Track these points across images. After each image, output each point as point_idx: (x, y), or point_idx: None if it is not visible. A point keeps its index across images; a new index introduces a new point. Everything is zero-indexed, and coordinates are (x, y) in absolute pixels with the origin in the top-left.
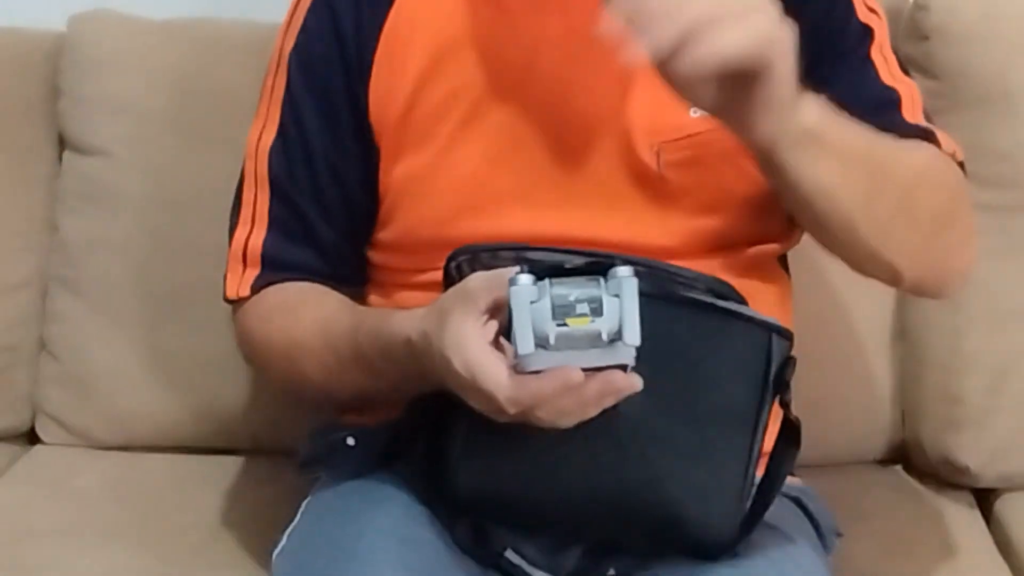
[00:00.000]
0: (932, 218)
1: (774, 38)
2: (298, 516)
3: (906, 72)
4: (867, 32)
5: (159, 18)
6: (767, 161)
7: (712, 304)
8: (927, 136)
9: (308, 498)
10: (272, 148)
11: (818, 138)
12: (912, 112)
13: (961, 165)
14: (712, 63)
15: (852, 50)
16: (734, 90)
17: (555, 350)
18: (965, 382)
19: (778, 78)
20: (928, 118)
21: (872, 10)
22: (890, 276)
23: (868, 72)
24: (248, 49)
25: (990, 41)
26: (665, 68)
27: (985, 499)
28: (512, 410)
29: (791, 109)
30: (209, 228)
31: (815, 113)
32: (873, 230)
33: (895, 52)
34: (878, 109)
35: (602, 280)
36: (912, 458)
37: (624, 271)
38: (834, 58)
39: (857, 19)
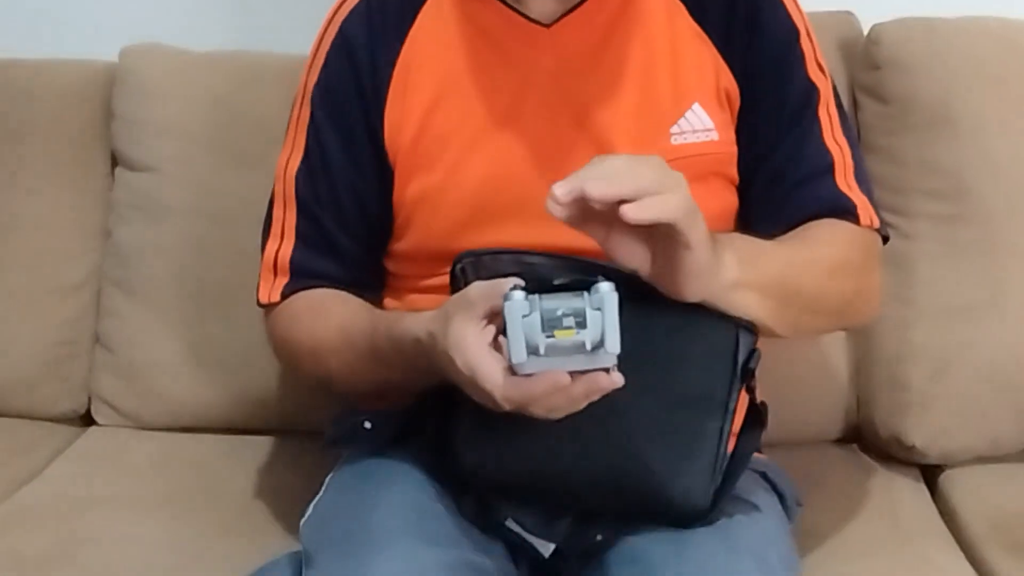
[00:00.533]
0: (835, 307)
1: (692, 211)
2: (323, 489)
3: (847, 123)
4: (814, 91)
5: (201, 50)
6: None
7: (685, 303)
8: (849, 210)
9: (331, 474)
10: (298, 171)
11: (741, 286)
12: (844, 176)
13: (878, 229)
14: (653, 216)
15: (801, 109)
16: (665, 260)
17: (545, 357)
18: (912, 371)
19: (696, 248)
20: (860, 174)
21: (820, 67)
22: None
23: (813, 133)
24: (279, 78)
25: (935, 71)
26: (609, 237)
27: (930, 474)
28: (507, 406)
29: (713, 274)
30: (244, 235)
31: (734, 268)
32: (786, 328)
33: (851, 81)
34: (814, 177)
35: (586, 294)
36: (865, 437)
37: (606, 287)
38: (784, 115)
39: (807, 76)
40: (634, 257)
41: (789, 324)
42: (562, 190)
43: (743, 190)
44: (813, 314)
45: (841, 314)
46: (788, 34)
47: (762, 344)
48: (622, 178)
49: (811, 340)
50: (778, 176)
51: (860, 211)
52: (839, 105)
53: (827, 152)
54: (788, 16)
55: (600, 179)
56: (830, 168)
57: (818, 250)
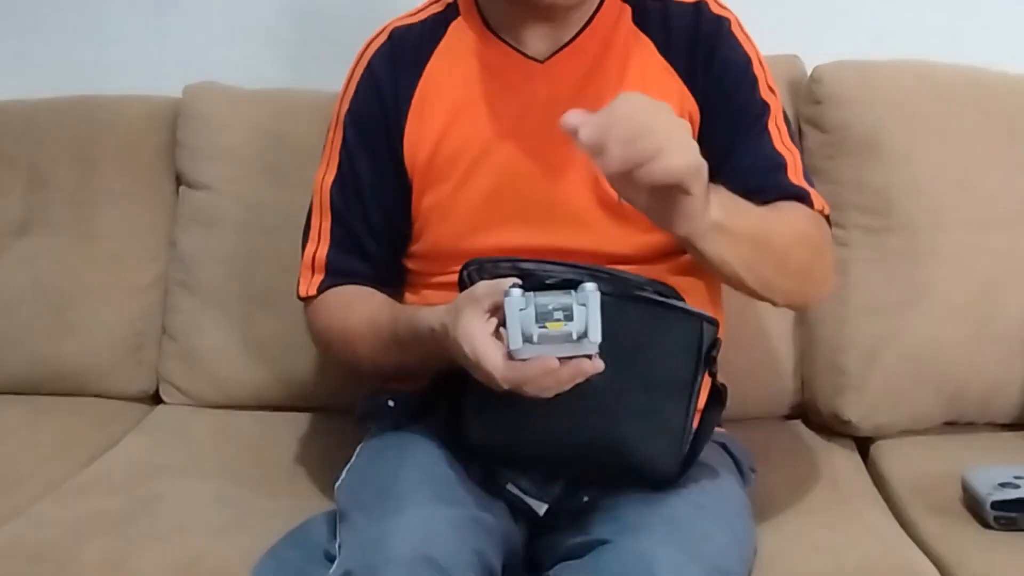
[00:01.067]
0: (798, 271)
1: (698, 167)
2: (353, 457)
3: (795, 138)
4: (766, 107)
5: (250, 88)
6: (683, 241)
7: (657, 301)
8: (803, 197)
9: (360, 445)
10: (332, 185)
11: (721, 228)
12: (795, 174)
13: (827, 218)
14: (658, 179)
15: (754, 122)
16: (663, 200)
17: (538, 344)
18: (847, 358)
19: (696, 196)
20: (807, 176)
21: (771, 89)
22: (768, 303)
23: (765, 140)
24: (316, 111)
25: (866, 106)
26: (618, 178)
27: (863, 445)
28: (506, 386)
29: (703, 215)
30: (286, 244)
31: (719, 211)
32: (756, 282)
33: (796, 113)
34: (769, 171)
35: (573, 292)
36: (808, 414)
37: (590, 287)
38: (739, 128)
39: (759, 95)
40: (634, 193)
41: (759, 277)
42: (587, 135)
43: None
44: (779, 272)
45: (802, 280)
46: (742, 65)
47: (722, 334)
48: (637, 144)
49: (762, 334)
50: (736, 175)
51: (813, 198)
52: (787, 121)
53: (779, 155)
54: (741, 48)
55: (620, 143)
56: (783, 167)
57: (785, 218)
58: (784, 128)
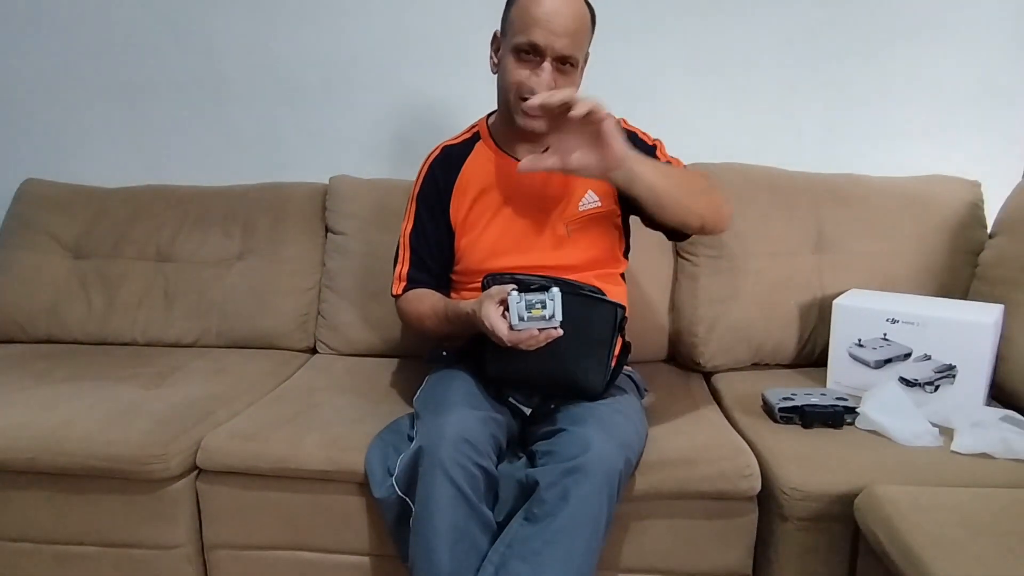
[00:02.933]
0: (702, 192)
1: (603, 114)
2: (424, 383)
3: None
4: (662, 155)
5: (366, 178)
6: (625, 175)
7: (593, 295)
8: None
9: (428, 376)
10: (411, 233)
11: (641, 161)
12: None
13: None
14: (583, 110)
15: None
16: (594, 139)
17: (527, 322)
18: (698, 327)
19: (609, 131)
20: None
21: (669, 159)
22: (698, 223)
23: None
24: (402, 191)
25: None
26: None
27: (708, 376)
28: (509, 345)
29: (623, 150)
30: (386, 265)
31: (635, 152)
32: (683, 195)
33: None
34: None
35: (547, 292)
36: (677, 359)
37: (555, 289)
38: None
39: (658, 158)
40: (577, 152)
41: (684, 192)
42: (537, 101)
43: (638, 210)
44: (691, 193)
45: (707, 197)
46: (650, 150)
47: (628, 314)
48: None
49: (651, 314)
50: None
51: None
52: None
53: (670, 161)
54: (644, 142)
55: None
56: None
57: (682, 169)
58: (674, 161)
